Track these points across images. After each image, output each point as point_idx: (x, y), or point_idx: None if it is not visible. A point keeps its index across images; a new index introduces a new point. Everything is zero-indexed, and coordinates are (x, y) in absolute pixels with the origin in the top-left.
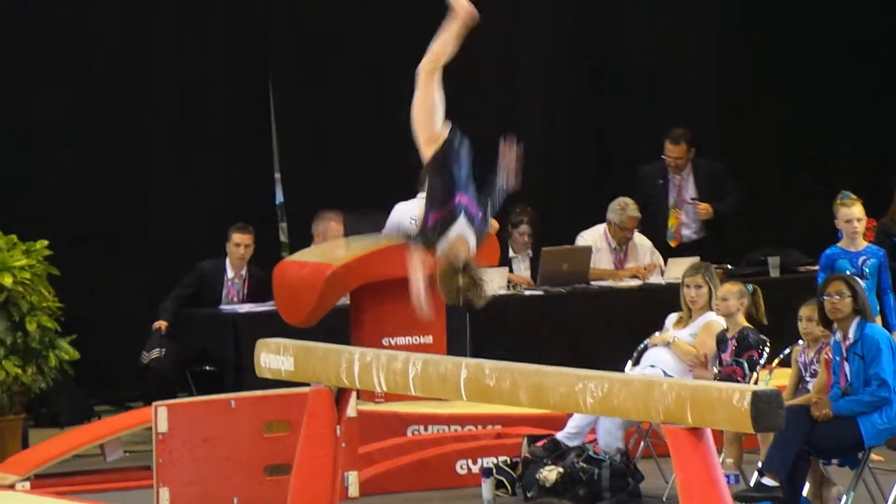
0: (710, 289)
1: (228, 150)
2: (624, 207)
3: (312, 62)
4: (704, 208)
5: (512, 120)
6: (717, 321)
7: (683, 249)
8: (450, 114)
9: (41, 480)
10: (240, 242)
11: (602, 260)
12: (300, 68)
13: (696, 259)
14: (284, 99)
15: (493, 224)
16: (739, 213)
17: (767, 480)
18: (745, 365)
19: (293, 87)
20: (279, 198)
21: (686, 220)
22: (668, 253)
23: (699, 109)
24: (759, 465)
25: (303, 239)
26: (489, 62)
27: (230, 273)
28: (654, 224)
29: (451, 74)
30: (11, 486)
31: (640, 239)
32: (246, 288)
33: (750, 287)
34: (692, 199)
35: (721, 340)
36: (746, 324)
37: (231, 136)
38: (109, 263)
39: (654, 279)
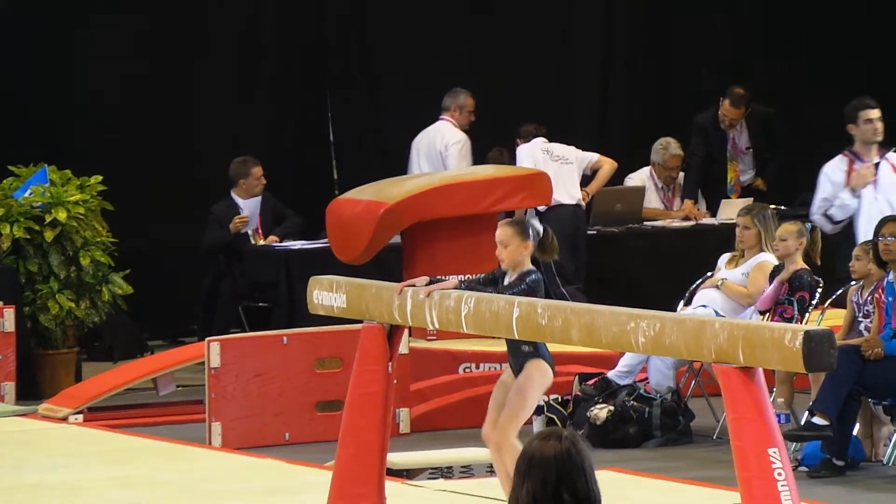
0: (759, 230)
1: (282, 87)
2: (666, 147)
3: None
4: (759, 184)
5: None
6: (769, 261)
7: (744, 194)
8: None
9: (94, 414)
10: (261, 175)
11: (651, 200)
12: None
13: (747, 200)
14: (339, 40)
15: None
16: (786, 163)
17: (818, 420)
18: (796, 304)
19: (348, 27)
20: (331, 136)
21: (742, 167)
22: (720, 194)
23: (755, 43)
24: (810, 404)
25: (354, 177)
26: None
27: (242, 208)
28: (718, 176)
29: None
30: (64, 419)
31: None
32: (259, 212)
33: (808, 226)
34: (751, 185)
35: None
36: (803, 264)
37: (284, 74)
38: (163, 199)
39: (706, 220)
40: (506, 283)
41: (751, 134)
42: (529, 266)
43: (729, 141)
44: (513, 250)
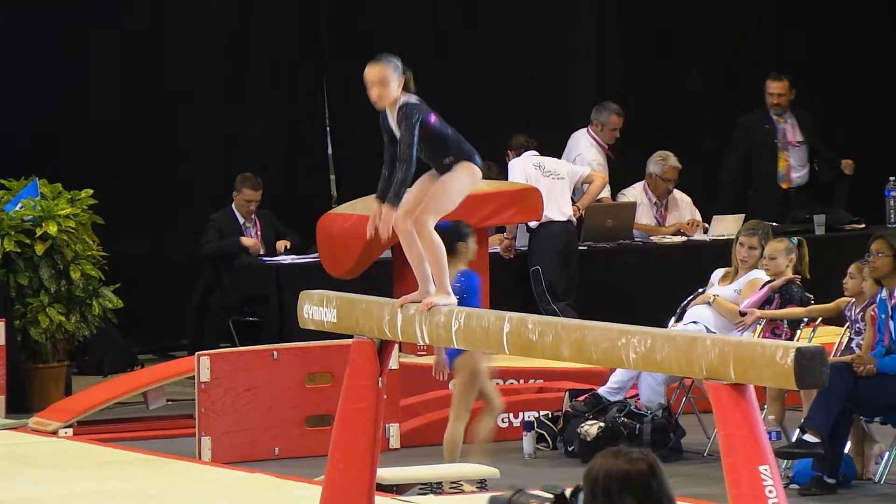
0: (762, 251)
1: (278, 97)
2: (665, 158)
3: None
4: (848, 165)
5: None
6: (761, 277)
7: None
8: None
9: (84, 427)
10: (251, 199)
11: (643, 215)
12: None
13: (739, 216)
14: (338, 50)
15: None
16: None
17: (809, 437)
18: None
19: (347, 37)
20: (329, 149)
21: (794, 162)
22: (712, 209)
23: (754, 62)
24: (802, 421)
25: (349, 190)
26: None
27: (241, 220)
28: (765, 169)
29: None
30: (54, 433)
31: (679, 194)
32: (259, 230)
33: (795, 240)
34: (830, 166)
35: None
36: (793, 277)
37: (282, 83)
38: (154, 213)
39: (698, 235)
40: (396, 133)
41: (803, 129)
42: (401, 100)
43: (779, 132)
44: (394, 87)
